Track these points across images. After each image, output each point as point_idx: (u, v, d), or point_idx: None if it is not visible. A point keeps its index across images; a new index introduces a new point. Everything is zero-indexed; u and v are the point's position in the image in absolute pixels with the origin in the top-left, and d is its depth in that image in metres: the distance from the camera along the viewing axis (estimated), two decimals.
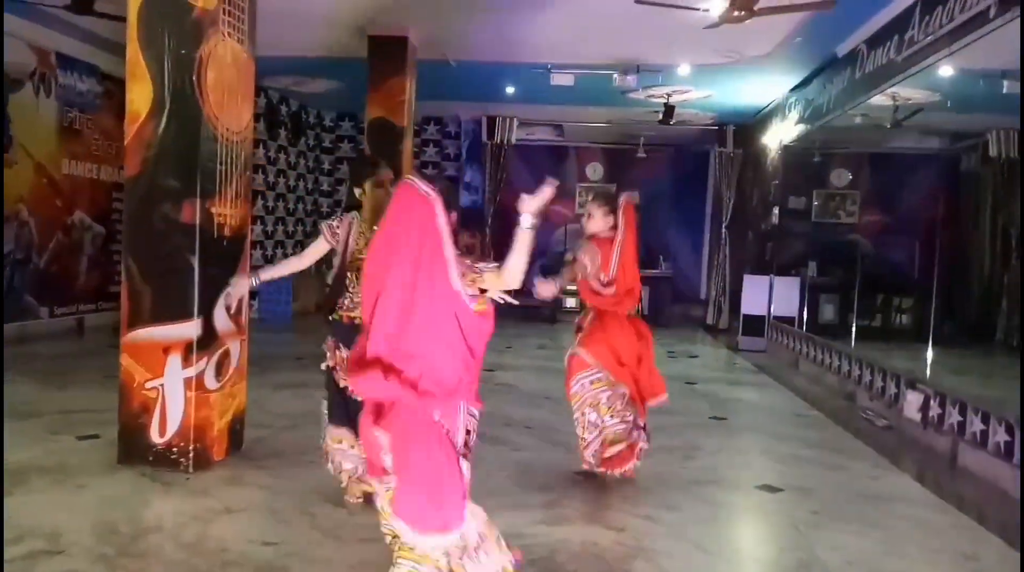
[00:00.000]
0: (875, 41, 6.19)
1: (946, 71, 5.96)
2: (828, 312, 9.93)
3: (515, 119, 11.40)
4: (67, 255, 8.10)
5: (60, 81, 7.86)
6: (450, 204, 2.18)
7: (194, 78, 3.78)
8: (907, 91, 7.14)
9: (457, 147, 11.98)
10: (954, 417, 4.53)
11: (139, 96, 3.83)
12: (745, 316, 9.23)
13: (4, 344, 5.81)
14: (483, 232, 11.75)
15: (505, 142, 11.49)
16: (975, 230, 10.41)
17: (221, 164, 3.94)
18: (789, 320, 8.80)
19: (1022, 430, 3.86)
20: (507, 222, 12.86)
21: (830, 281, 10.23)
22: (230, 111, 3.99)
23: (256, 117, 4.34)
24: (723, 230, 11.17)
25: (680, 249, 12.74)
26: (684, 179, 12.97)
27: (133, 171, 3.87)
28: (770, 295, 9.09)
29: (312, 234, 11.63)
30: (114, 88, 8.11)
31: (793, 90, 8.68)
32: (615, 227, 3.82)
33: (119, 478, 3.64)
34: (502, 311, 2.30)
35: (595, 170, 13.15)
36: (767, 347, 9.01)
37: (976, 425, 4.29)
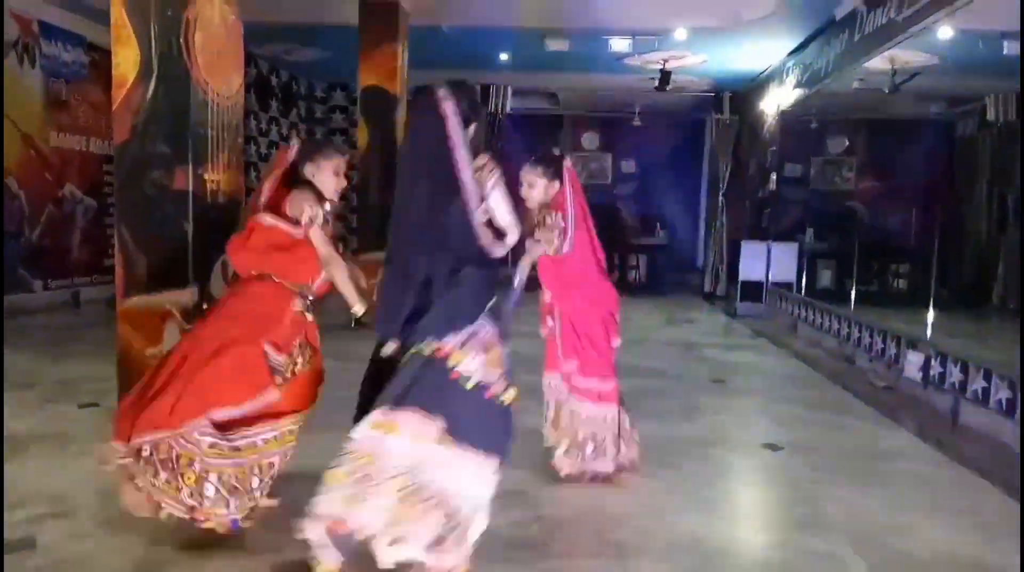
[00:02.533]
0: (874, 1, 6.09)
1: (945, 32, 5.88)
2: (825, 278, 9.95)
3: (509, 87, 11.25)
4: (59, 228, 8.01)
5: (44, 51, 7.70)
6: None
7: (182, 41, 3.69)
8: (906, 54, 7.06)
9: None
10: (955, 376, 4.54)
11: (125, 60, 3.73)
12: (743, 282, 9.21)
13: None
14: None
15: (499, 111, 11.36)
16: (971, 195, 10.39)
17: (212, 129, 3.87)
18: (787, 286, 8.80)
19: (1022, 389, 3.86)
20: None
21: (827, 247, 10.24)
22: (220, 75, 3.91)
23: (247, 87, 4.26)
24: (720, 198, 11.12)
25: (677, 218, 12.70)
26: (680, 147, 12.89)
27: (123, 138, 3.79)
28: (768, 261, 9.07)
29: None
30: (100, 59, 7.95)
31: (791, 54, 8.57)
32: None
33: None
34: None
35: (590, 140, 13.04)
36: (765, 313, 9.02)
37: (978, 383, 4.30)
